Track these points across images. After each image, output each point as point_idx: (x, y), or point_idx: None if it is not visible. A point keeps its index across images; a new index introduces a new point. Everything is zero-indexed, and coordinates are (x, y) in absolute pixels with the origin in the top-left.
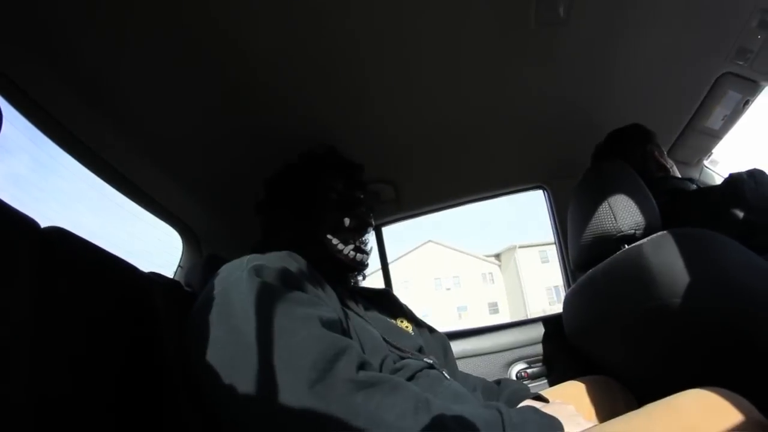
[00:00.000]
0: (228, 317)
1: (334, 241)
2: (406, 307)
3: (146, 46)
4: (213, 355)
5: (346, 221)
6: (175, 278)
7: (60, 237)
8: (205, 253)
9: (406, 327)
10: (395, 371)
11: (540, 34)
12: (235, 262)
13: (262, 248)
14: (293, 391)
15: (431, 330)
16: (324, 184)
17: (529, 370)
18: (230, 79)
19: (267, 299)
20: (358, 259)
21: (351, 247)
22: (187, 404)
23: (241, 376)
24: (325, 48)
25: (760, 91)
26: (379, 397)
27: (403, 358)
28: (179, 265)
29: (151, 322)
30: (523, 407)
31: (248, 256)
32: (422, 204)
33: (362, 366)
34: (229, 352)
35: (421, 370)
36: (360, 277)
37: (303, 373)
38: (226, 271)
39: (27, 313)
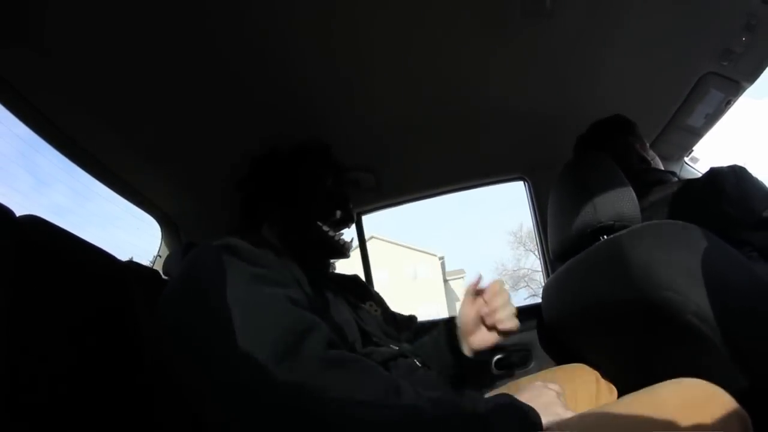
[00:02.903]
0: (197, 297)
1: (325, 227)
2: (375, 293)
3: (126, 29)
4: (184, 336)
5: (338, 213)
6: (154, 267)
7: (35, 225)
8: (184, 242)
9: (375, 311)
10: (365, 356)
11: (525, 26)
12: (204, 244)
13: (241, 230)
14: (262, 366)
15: (399, 315)
16: (316, 177)
17: (508, 359)
18: (212, 66)
19: (235, 278)
20: (348, 246)
21: (340, 234)
22: (164, 390)
23: (212, 355)
24: (306, 36)
25: (742, 92)
26: (348, 377)
27: (375, 344)
28: (158, 254)
29: (128, 310)
30: (500, 395)
31: (218, 239)
32: (403, 192)
33: (331, 345)
34: (199, 332)
35: (393, 359)
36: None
37: (271, 348)
38: (194, 254)
39: (2, 302)
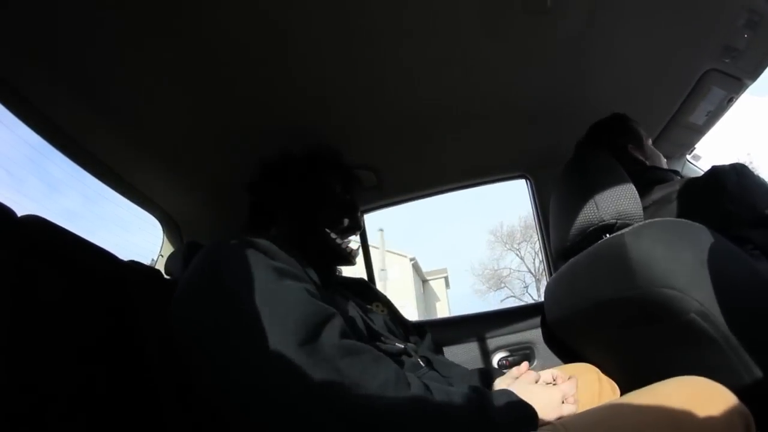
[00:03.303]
0: (222, 290)
1: (333, 234)
2: (383, 295)
3: (133, 36)
4: (204, 322)
5: (345, 221)
6: (155, 267)
7: (37, 225)
8: (186, 241)
9: (382, 311)
10: None
11: (525, 23)
12: (224, 239)
13: (249, 231)
14: (282, 350)
15: (409, 322)
16: (327, 183)
17: (510, 358)
18: (213, 66)
19: (257, 270)
20: (354, 254)
21: (348, 242)
22: (167, 390)
23: (233, 340)
24: (305, 33)
25: (744, 89)
26: (362, 365)
27: (379, 339)
28: (159, 254)
29: (130, 309)
30: (502, 390)
31: (235, 236)
32: (404, 191)
33: (345, 335)
34: (225, 322)
35: (398, 356)
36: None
37: (292, 334)
38: (214, 246)
39: (3, 301)
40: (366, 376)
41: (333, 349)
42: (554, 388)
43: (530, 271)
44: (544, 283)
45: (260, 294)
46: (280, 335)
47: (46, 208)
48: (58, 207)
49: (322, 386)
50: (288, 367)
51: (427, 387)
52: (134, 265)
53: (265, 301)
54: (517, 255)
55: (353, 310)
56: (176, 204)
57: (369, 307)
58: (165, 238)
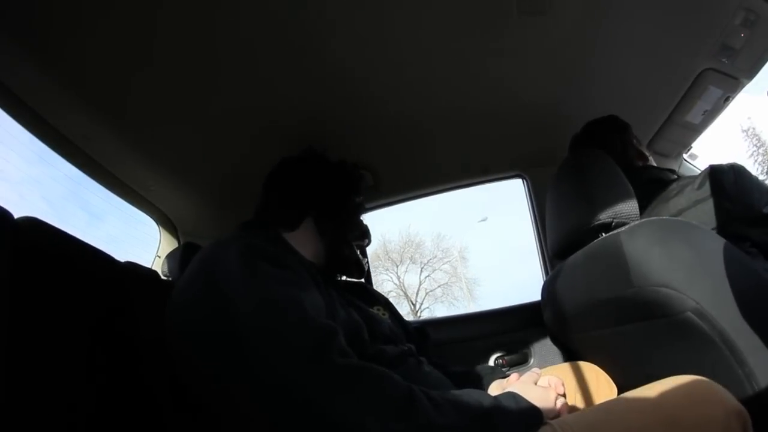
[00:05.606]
0: (216, 295)
1: (356, 249)
2: (383, 297)
3: (132, 30)
4: (200, 336)
5: (366, 242)
6: (153, 268)
7: (34, 227)
8: (183, 242)
9: (383, 314)
10: (374, 356)
11: (522, 23)
12: (222, 242)
13: (256, 226)
14: (279, 369)
15: (408, 322)
16: (359, 206)
17: (507, 357)
18: (209, 66)
19: (256, 280)
20: (366, 268)
21: (363, 258)
22: (164, 392)
23: (228, 355)
24: (302, 32)
25: (741, 88)
26: (364, 385)
27: (383, 342)
28: (156, 255)
29: (127, 310)
30: (505, 393)
31: (234, 236)
32: (402, 191)
33: (345, 353)
34: (218, 332)
35: (399, 357)
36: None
37: (292, 354)
38: (212, 251)
39: (1, 303)
40: (369, 395)
41: (334, 369)
42: (550, 388)
43: (404, 294)
44: (431, 305)
45: (258, 307)
46: (279, 358)
47: (91, 236)
48: (102, 234)
49: (323, 408)
50: (284, 389)
51: (432, 400)
52: (131, 267)
53: (263, 315)
54: (388, 277)
55: (356, 315)
56: (173, 204)
57: (371, 310)
58: (162, 238)
